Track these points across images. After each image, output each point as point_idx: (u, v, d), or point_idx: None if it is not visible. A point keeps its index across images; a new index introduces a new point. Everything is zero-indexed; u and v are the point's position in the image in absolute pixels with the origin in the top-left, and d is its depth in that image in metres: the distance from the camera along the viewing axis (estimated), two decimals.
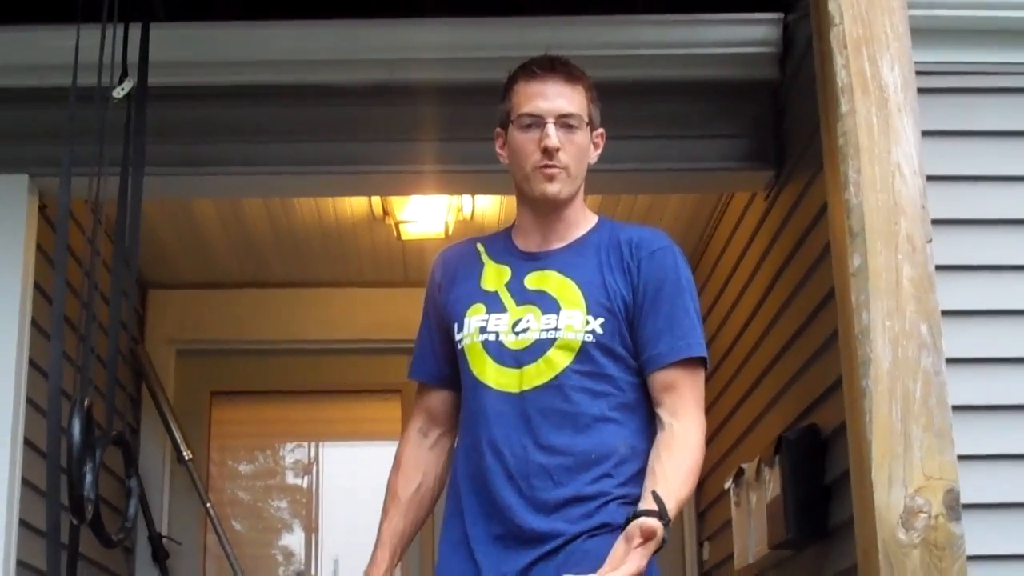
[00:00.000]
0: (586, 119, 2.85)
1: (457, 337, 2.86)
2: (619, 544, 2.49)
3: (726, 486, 4.53)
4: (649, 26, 4.13)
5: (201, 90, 4.17)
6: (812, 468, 3.66)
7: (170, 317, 5.86)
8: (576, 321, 2.76)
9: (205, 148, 4.20)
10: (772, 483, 3.87)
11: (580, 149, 2.85)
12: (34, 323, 4.05)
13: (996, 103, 3.70)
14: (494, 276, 2.89)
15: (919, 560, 2.58)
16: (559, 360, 2.75)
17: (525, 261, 2.88)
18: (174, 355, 5.86)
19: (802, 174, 3.86)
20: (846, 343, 2.80)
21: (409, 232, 5.29)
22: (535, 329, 2.77)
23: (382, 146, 4.23)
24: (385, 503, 2.95)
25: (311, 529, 6.19)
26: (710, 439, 5.14)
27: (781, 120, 4.14)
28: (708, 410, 5.19)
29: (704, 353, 2.82)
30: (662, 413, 2.76)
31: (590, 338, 2.75)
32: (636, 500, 2.70)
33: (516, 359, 2.77)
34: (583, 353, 2.75)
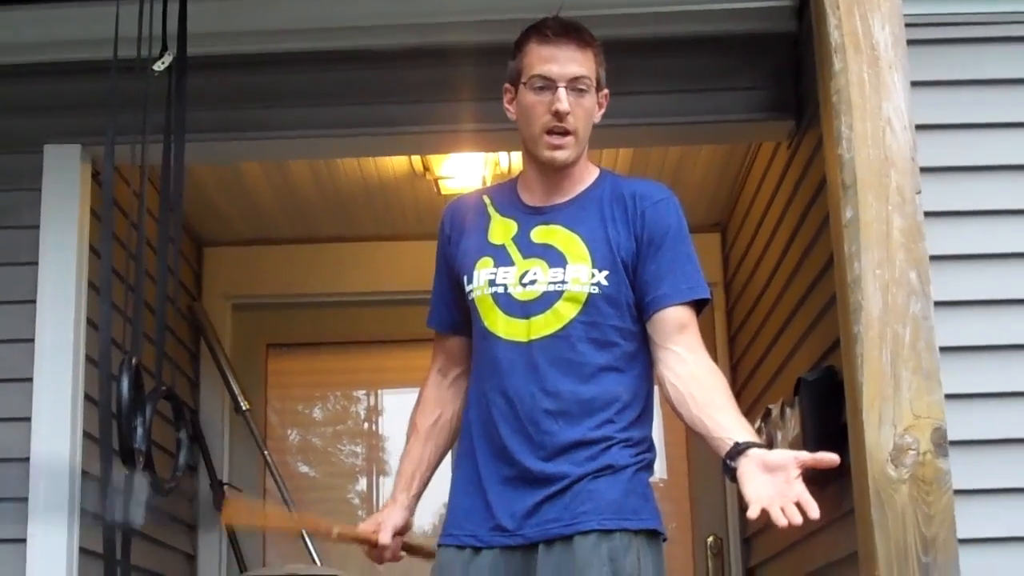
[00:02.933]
0: (594, 82, 2.98)
1: (467, 289, 3.01)
2: (759, 474, 2.58)
3: (755, 426, 4.68)
4: None
5: (240, 58, 4.32)
6: (829, 408, 3.75)
7: (225, 274, 6.06)
8: (582, 274, 2.90)
9: (247, 114, 4.36)
10: (793, 423, 4.02)
11: (588, 112, 2.98)
12: (91, 284, 4.25)
13: (996, 52, 3.82)
14: (501, 230, 3.03)
15: (907, 495, 2.75)
16: (566, 312, 2.89)
17: (530, 215, 3.02)
18: (230, 310, 6.04)
19: (820, 124, 3.98)
20: (840, 291, 2.96)
21: (448, 187, 5.44)
22: (543, 282, 2.91)
23: (420, 107, 4.37)
24: (407, 435, 3.14)
25: (373, 472, 6.35)
26: (746, 380, 5.34)
27: (800, 71, 4.23)
28: (743, 353, 5.39)
29: (708, 295, 2.96)
30: (678, 348, 2.87)
31: (595, 290, 2.90)
32: (636, 442, 2.88)
33: (524, 310, 2.92)
34: (589, 305, 2.89)
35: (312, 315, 6.15)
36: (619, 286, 2.91)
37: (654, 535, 2.85)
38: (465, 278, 3.02)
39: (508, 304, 2.94)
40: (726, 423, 2.71)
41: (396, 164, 5.39)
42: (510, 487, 2.87)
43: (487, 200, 3.12)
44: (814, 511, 2.50)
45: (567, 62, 2.95)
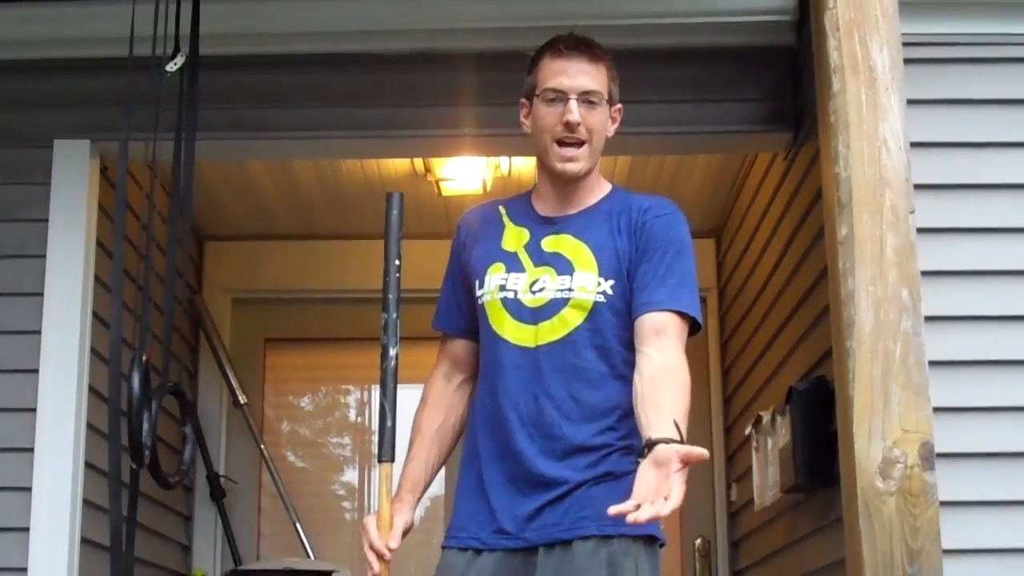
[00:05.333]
0: (606, 96, 3.07)
1: (478, 293, 3.09)
2: (649, 469, 2.55)
3: (747, 432, 4.77)
4: None
5: (251, 59, 4.40)
6: (819, 417, 3.82)
7: (226, 267, 6.12)
8: (589, 282, 2.99)
9: (256, 114, 4.44)
10: (784, 431, 4.10)
11: (599, 124, 3.06)
12: (97, 278, 4.33)
13: (989, 72, 3.94)
14: (514, 238, 3.11)
15: (895, 506, 2.82)
16: (572, 319, 2.97)
17: (542, 225, 3.11)
18: (230, 304, 6.12)
19: (817, 137, 4.06)
20: (834, 306, 3.04)
21: (449, 188, 5.53)
22: (550, 289, 3.00)
23: (423, 111, 4.44)
24: (411, 437, 3.17)
25: (365, 467, 6.41)
26: (737, 386, 5.42)
27: (798, 84, 4.31)
28: (735, 359, 5.46)
29: (696, 314, 2.97)
30: (648, 350, 2.87)
31: (601, 299, 2.97)
32: (636, 450, 2.94)
33: (532, 316, 3.00)
34: (594, 313, 2.97)
35: (311, 311, 6.21)
36: (623, 295, 2.99)
37: (652, 541, 2.92)
38: (477, 282, 3.10)
39: (518, 310, 3.02)
40: (653, 421, 2.70)
41: (398, 164, 5.46)
42: (513, 489, 2.95)
43: (502, 210, 3.21)
44: (664, 509, 2.46)
45: (578, 75, 3.04)
